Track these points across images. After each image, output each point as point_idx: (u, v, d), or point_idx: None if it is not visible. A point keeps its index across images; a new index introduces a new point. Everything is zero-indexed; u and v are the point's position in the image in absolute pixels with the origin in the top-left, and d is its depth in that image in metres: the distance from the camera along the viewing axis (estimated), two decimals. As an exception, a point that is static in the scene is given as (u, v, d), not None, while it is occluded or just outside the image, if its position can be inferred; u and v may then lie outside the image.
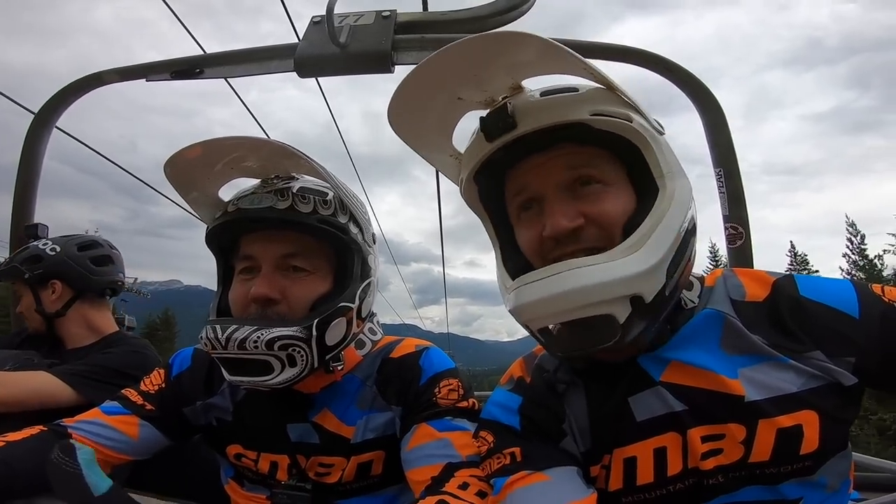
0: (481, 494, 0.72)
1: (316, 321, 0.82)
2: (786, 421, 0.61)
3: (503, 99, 0.71)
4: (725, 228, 1.53)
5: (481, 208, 0.79)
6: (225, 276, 0.93)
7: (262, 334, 0.78)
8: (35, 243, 1.54)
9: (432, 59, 0.65)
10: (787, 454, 0.61)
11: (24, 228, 1.61)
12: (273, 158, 0.88)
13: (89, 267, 1.54)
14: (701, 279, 0.75)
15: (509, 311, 0.70)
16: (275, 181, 0.88)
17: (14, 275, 1.50)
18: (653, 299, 0.61)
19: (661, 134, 0.69)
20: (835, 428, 0.62)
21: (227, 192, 0.93)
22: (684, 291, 0.72)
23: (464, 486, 0.72)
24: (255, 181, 0.92)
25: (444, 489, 0.73)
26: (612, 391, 0.70)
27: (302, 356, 0.81)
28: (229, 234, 0.91)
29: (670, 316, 0.68)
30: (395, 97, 0.70)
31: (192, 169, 0.86)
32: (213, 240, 0.91)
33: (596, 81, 0.67)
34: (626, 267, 0.60)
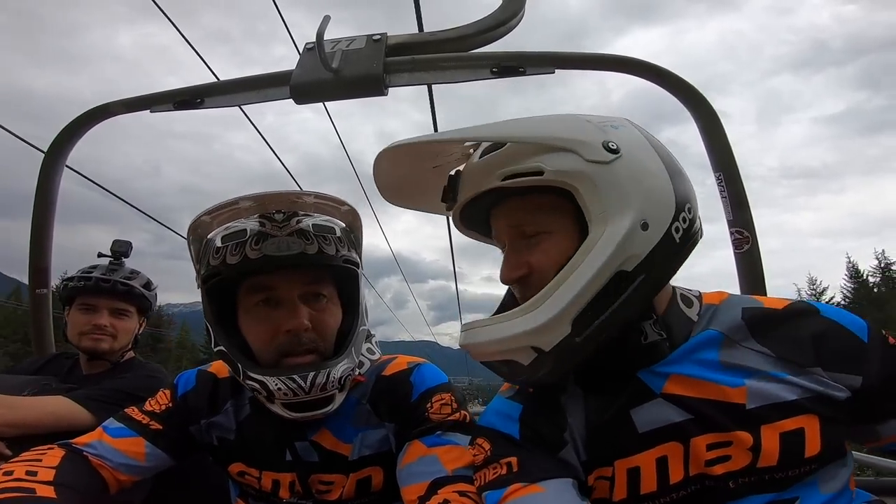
0: None
1: (362, 353, 0.94)
2: (788, 425, 0.65)
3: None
4: (731, 233, 1.48)
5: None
6: (220, 316, 0.92)
7: (334, 373, 0.86)
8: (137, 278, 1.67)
9: (378, 162, 0.77)
10: (793, 458, 0.64)
11: (115, 243, 1.68)
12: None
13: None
14: (699, 297, 0.77)
15: None
16: (282, 220, 0.89)
17: (145, 307, 1.70)
18: (554, 348, 0.66)
19: (607, 161, 0.66)
20: (834, 433, 0.66)
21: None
22: (684, 308, 0.74)
23: None
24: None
25: None
26: (611, 402, 0.71)
27: (350, 380, 0.92)
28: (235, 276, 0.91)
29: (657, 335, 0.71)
30: (377, 181, 0.81)
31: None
32: (217, 283, 0.90)
33: (503, 141, 0.71)
34: (518, 326, 0.67)
